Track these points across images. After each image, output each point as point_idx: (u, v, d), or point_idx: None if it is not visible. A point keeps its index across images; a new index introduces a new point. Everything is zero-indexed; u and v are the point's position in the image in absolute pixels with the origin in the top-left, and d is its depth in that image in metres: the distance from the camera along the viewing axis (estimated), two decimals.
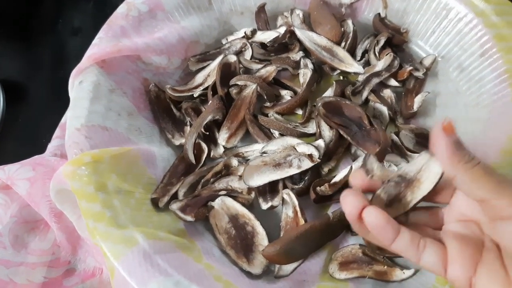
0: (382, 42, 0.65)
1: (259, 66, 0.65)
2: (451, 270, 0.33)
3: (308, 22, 0.70)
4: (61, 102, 0.65)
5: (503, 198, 0.30)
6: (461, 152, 0.32)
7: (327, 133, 0.58)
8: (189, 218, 0.51)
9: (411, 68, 0.63)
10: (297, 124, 0.61)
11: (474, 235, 0.34)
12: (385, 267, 0.50)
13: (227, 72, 0.62)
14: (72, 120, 0.51)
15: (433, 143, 0.34)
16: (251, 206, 0.55)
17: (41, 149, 0.62)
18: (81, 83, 0.54)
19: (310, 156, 0.54)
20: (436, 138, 0.33)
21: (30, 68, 0.78)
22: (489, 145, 0.55)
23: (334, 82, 0.62)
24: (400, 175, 0.37)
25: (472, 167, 0.32)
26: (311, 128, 0.60)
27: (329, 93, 0.62)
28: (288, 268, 0.51)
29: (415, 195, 0.36)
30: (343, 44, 0.66)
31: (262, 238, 0.51)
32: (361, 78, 0.63)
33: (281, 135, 0.59)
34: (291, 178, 0.55)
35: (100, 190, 0.46)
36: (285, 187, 0.55)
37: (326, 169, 0.57)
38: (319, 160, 0.54)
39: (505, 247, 0.32)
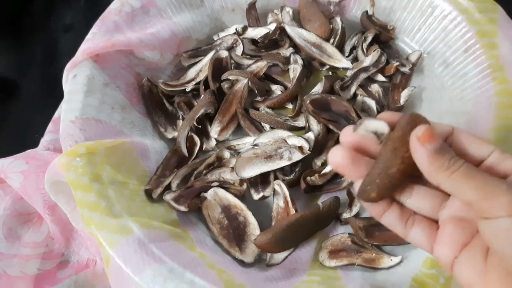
0: (369, 39, 0.67)
1: (250, 61, 0.66)
2: (438, 249, 0.34)
3: (298, 19, 0.71)
4: (53, 97, 0.66)
5: (485, 200, 0.29)
6: (439, 161, 0.31)
7: (315, 127, 0.59)
8: (182, 208, 0.52)
9: (397, 63, 0.65)
10: (288, 118, 0.62)
11: (471, 219, 0.34)
12: (374, 254, 0.52)
13: (218, 67, 0.63)
14: (67, 113, 0.52)
15: (412, 155, 0.33)
16: (243, 197, 0.56)
17: (33, 144, 0.63)
18: (75, 76, 0.55)
19: (300, 148, 0.55)
20: (413, 150, 0.32)
21: (21, 65, 0.78)
22: None
23: (323, 77, 0.63)
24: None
25: (451, 173, 0.31)
26: (301, 121, 0.61)
27: (318, 88, 0.63)
28: (279, 256, 0.52)
29: None
30: (331, 40, 0.67)
31: (254, 228, 0.53)
32: (349, 73, 0.65)
33: (272, 128, 0.60)
34: (282, 169, 0.56)
35: (95, 180, 0.47)
36: (276, 178, 0.56)
37: (319, 163, 0.58)
38: (309, 152, 0.55)
39: (490, 244, 0.31)
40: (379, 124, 0.34)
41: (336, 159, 0.35)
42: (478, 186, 0.30)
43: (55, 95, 0.64)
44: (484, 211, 0.30)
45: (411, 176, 0.34)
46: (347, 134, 0.35)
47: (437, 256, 0.35)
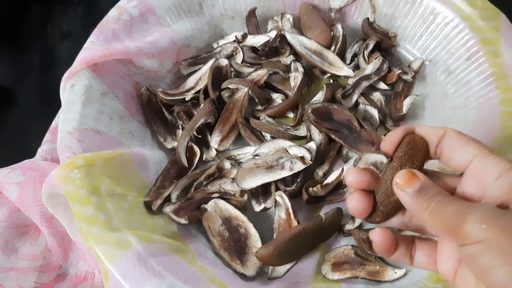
0: (371, 46, 0.66)
1: (250, 69, 0.65)
2: (440, 265, 0.36)
3: (298, 26, 0.70)
4: (51, 106, 0.65)
5: (454, 230, 0.30)
6: (420, 202, 0.33)
7: (317, 136, 0.59)
8: (182, 220, 0.51)
9: (399, 71, 0.64)
10: (289, 127, 0.61)
11: None
12: (377, 267, 0.51)
13: (218, 76, 0.63)
14: (64, 124, 0.51)
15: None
16: (244, 208, 0.55)
17: (30, 154, 0.62)
18: (73, 86, 0.54)
19: (302, 158, 0.54)
20: (397, 195, 0.35)
21: (18, 73, 0.77)
22: None
23: (325, 86, 0.62)
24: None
25: (430, 211, 0.32)
26: (302, 130, 0.61)
27: (319, 96, 0.63)
28: (281, 269, 0.51)
29: None
30: (333, 48, 0.67)
31: (255, 240, 0.52)
32: (351, 81, 0.64)
33: (273, 138, 0.59)
34: (283, 180, 0.56)
35: (93, 193, 0.46)
36: (277, 189, 0.55)
37: (320, 173, 0.58)
38: (311, 162, 0.54)
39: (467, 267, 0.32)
40: (377, 157, 0.37)
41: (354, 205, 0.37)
42: (449, 218, 0.31)
43: (53, 104, 0.63)
44: (457, 239, 0.31)
45: None
46: (350, 175, 0.37)
47: (441, 273, 0.36)
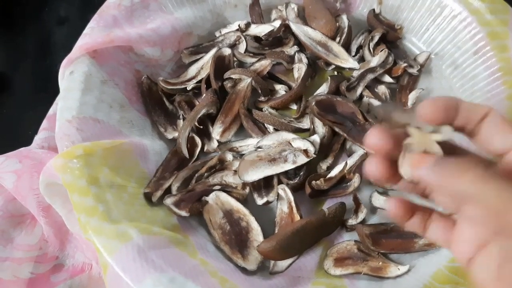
0: (376, 38, 0.65)
1: (254, 60, 0.64)
2: (455, 246, 0.33)
3: (303, 16, 0.69)
4: (47, 93, 0.63)
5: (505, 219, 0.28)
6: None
7: (321, 129, 0.58)
8: (183, 213, 0.50)
9: (405, 64, 0.63)
10: (292, 119, 0.60)
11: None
12: (380, 263, 0.50)
13: (221, 65, 0.61)
14: (63, 112, 0.50)
15: None
16: (246, 201, 0.54)
17: (26, 142, 0.61)
18: (72, 73, 0.53)
19: (305, 151, 0.53)
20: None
21: (14, 58, 0.75)
22: None
23: (329, 78, 0.61)
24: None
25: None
26: (306, 123, 0.60)
27: (323, 88, 0.61)
28: (283, 264, 0.50)
29: None
30: (338, 39, 0.65)
31: (257, 234, 0.51)
32: (355, 73, 0.63)
33: (276, 130, 0.58)
34: (286, 173, 0.55)
35: (92, 183, 0.45)
36: (280, 182, 0.54)
37: (324, 166, 0.57)
38: (314, 156, 0.53)
39: None
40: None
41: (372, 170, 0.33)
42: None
43: (49, 91, 0.62)
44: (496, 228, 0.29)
45: None
46: (373, 140, 0.32)
47: (454, 254, 0.33)
